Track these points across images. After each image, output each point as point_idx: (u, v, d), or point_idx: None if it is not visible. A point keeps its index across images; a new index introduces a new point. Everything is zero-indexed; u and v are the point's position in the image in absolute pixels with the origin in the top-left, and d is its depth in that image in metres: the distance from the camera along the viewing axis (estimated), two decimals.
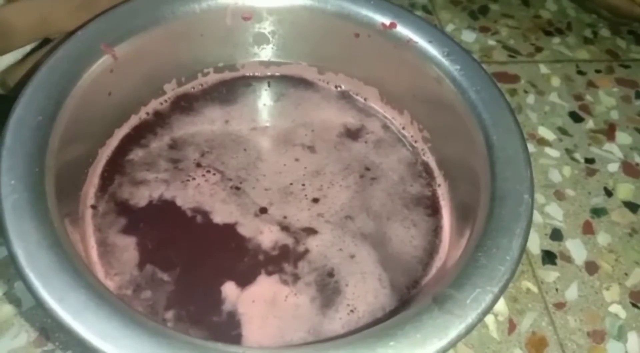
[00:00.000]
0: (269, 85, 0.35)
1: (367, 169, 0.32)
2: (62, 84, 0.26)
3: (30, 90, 0.25)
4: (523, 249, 0.23)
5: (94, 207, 0.28)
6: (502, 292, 0.22)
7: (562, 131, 0.42)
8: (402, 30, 0.30)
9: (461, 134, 0.28)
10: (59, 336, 0.29)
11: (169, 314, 0.26)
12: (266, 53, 0.34)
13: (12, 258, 0.21)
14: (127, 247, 0.27)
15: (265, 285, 0.27)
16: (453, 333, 0.20)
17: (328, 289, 0.27)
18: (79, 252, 0.23)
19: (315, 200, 0.30)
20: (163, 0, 0.29)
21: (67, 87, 0.26)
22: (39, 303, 0.20)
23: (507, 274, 0.22)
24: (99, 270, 0.26)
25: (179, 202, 0.29)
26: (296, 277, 0.27)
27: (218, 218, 0.29)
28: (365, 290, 0.27)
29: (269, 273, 0.27)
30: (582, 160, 0.40)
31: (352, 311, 0.27)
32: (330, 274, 0.28)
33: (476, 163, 0.27)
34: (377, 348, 0.20)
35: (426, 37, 0.30)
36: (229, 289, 0.27)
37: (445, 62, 0.29)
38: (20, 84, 0.28)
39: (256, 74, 0.35)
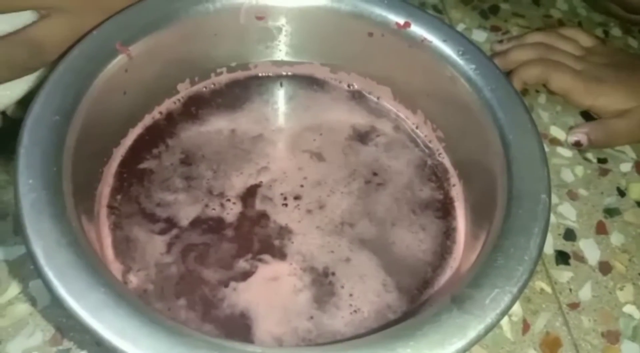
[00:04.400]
0: (281, 85, 0.35)
1: (375, 173, 0.31)
2: (78, 84, 0.26)
3: (46, 90, 0.25)
4: (541, 249, 0.23)
5: (109, 205, 0.28)
6: (520, 292, 0.22)
7: None
8: (417, 29, 0.30)
9: (476, 134, 0.28)
10: (74, 335, 0.29)
11: (181, 306, 0.26)
12: (279, 52, 0.34)
13: (31, 257, 0.21)
14: (141, 245, 0.28)
15: (267, 282, 0.27)
16: (472, 334, 0.20)
17: (326, 289, 0.27)
18: (96, 250, 0.23)
19: (322, 207, 0.30)
20: None
21: (83, 87, 0.26)
22: (58, 302, 0.20)
23: (526, 274, 0.22)
24: (115, 268, 0.26)
25: (188, 202, 0.29)
26: (294, 276, 0.27)
27: (227, 221, 0.29)
28: (365, 291, 0.27)
29: (270, 271, 0.27)
30: (595, 160, 0.40)
31: (355, 311, 0.27)
32: (330, 274, 0.28)
33: (492, 163, 0.27)
34: (396, 347, 0.20)
35: (441, 37, 0.30)
36: (235, 285, 0.27)
37: (460, 61, 0.29)
38: None
39: (269, 73, 0.35)
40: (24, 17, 0.27)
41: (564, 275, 0.34)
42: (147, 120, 0.32)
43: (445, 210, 0.30)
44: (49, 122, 0.24)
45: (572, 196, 0.38)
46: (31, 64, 0.28)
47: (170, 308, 0.26)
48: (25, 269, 0.30)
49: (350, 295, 0.27)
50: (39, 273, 0.20)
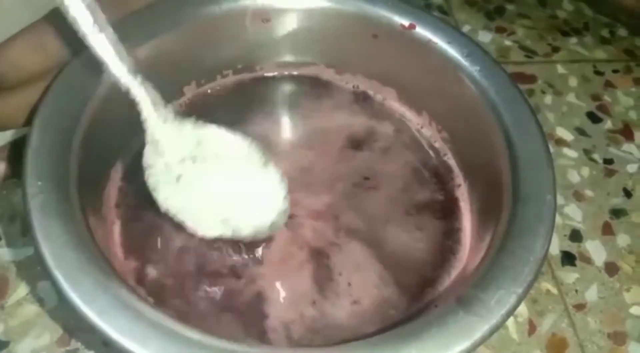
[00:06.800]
0: (286, 86, 0.35)
1: (378, 173, 0.31)
2: (85, 86, 0.26)
3: (53, 92, 0.25)
4: (547, 250, 0.23)
5: (117, 205, 0.29)
6: (526, 293, 0.22)
7: (580, 131, 0.42)
8: (422, 31, 0.30)
9: (481, 135, 0.28)
10: (81, 336, 0.29)
11: (199, 298, 0.26)
12: (285, 54, 0.34)
13: (39, 259, 0.21)
14: (149, 241, 0.28)
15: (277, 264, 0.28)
16: (477, 335, 0.20)
17: (324, 273, 0.27)
18: (104, 250, 0.23)
19: (336, 218, 0.30)
20: (184, 2, 0.30)
21: (90, 89, 0.26)
22: (67, 303, 0.20)
23: (531, 275, 0.22)
24: (125, 267, 0.27)
25: None
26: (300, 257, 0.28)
27: None
28: (363, 281, 0.27)
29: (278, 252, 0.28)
30: (601, 161, 0.40)
31: (355, 302, 0.27)
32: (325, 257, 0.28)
33: (497, 164, 0.27)
34: (401, 349, 0.20)
35: (445, 38, 0.30)
36: (246, 272, 0.27)
37: (464, 62, 0.29)
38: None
39: (274, 74, 0.35)
40: None
41: (570, 276, 0.34)
42: None
43: (448, 210, 0.30)
44: (56, 125, 0.24)
45: (578, 197, 0.38)
46: (43, 67, 0.27)
47: (187, 301, 0.26)
48: (34, 270, 0.31)
49: (349, 284, 0.27)
50: (48, 275, 0.21)
